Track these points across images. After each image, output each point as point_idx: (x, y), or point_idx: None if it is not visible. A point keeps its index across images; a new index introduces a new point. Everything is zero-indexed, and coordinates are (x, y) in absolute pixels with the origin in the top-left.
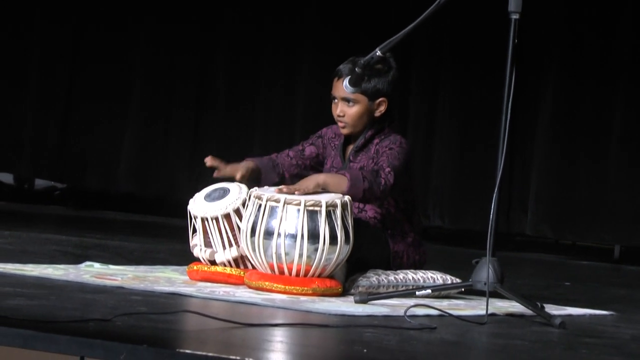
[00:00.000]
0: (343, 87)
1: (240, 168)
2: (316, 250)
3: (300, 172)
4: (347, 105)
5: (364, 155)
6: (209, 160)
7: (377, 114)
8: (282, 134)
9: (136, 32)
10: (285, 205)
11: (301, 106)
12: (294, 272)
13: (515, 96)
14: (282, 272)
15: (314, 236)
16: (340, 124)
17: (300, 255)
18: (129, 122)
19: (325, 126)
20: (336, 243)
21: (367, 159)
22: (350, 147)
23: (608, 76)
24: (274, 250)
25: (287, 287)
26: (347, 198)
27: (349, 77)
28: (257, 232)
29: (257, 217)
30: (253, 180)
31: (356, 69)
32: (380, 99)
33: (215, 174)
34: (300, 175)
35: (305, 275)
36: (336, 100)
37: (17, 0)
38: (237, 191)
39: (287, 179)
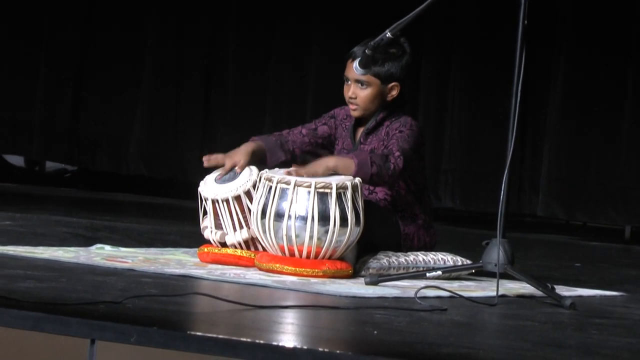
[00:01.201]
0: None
1: (238, 157)
2: (326, 232)
3: (313, 150)
4: (359, 87)
5: (374, 137)
6: (206, 162)
7: (389, 98)
8: (293, 113)
9: (147, 7)
10: (296, 187)
11: (312, 84)
12: (304, 254)
13: (525, 76)
14: (292, 254)
15: (324, 218)
16: (351, 106)
17: (311, 237)
18: (139, 104)
19: (337, 106)
20: (347, 225)
21: (378, 141)
22: (361, 130)
23: (620, 52)
24: (284, 232)
25: (297, 269)
26: (357, 180)
27: (359, 59)
28: (268, 214)
29: (267, 199)
30: (257, 161)
31: (366, 51)
32: (393, 83)
33: (219, 176)
34: (312, 153)
35: (316, 257)
36: (349, 82)
37: None
38: (247, 173)
39: (298, 155)
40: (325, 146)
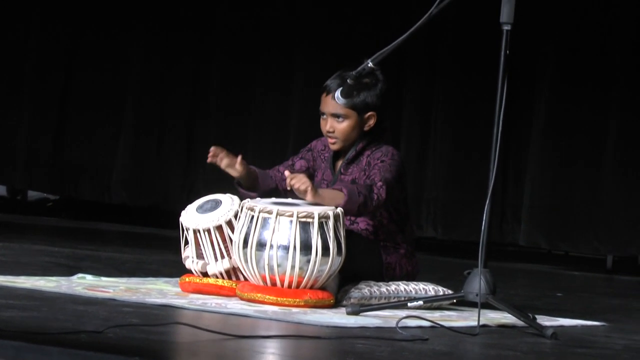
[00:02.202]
0: (332, 101)
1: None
2: (308, 261)
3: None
4: (336, 120)
5: (355, 167)
6: (212, 152)
7: (367, 127)
8: (276, 142)
9: (130, 40)
10: (278, 216)
11: (295, 115)
12: (286, 283)
13: (508, 105)
14: (274, 284)
15: (306, 247)
16: (330, 140)
17: (293, 267)
18: (122, 132)
19: (316, 138)
20: (328, 254)
21: (359, 171)
22: (341, 161)
23: (602, 85)
24: (266, 262)
25: (279, 298)
26: (339, 210)
27: (341, 88)
28: (250, 243)
29: (249, 228)
30: (250, 183)
31: (348, 80)
32: (370, 113)
33: (221, 161)
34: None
35: (298, 286)
36: (325, 116)
37: (13, 8)
38: (229, 203)
39: (281, 191)
40: None
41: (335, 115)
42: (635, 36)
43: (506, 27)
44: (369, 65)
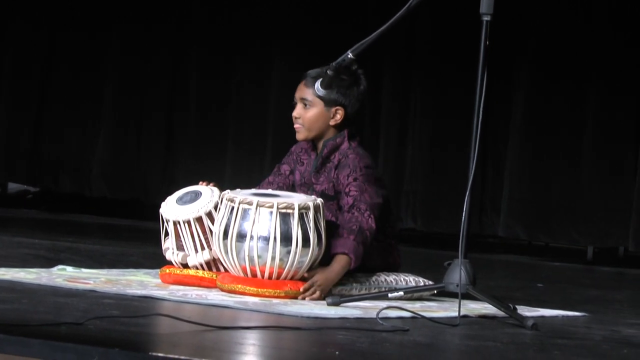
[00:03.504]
0: (304, 87)
1: None
2: (289, 252)
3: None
4: (303, 107)
5: (324, 176)
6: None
7: (332, 122)
8: (255, 134)
9: (108, 34)
10: (258, 207)
11: (274, 107)
12: (266, 274)
13: (487, 97)
14: (254, 275)
15: (286, 239)
16: (296, 126)
17: (273, 258)
18: (102, 125)
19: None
20: (309, 245)
21: (328, 182)
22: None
23: (580, 77)
24: (246, 253)
25: (259, 289)
26: (319, 200)
27: (321, 79)
28: (230, 234)
29: (229, 219)
30: None
31: (328, 72)
32: (337, 107)
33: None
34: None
35: (278, 277)
36: (295, 102)
37: None
38: (209, 194)
39: None
40: (294, 186)
41: (303, 101)
42: (612, 31)
43: (486, 18)
44: (349, 56)
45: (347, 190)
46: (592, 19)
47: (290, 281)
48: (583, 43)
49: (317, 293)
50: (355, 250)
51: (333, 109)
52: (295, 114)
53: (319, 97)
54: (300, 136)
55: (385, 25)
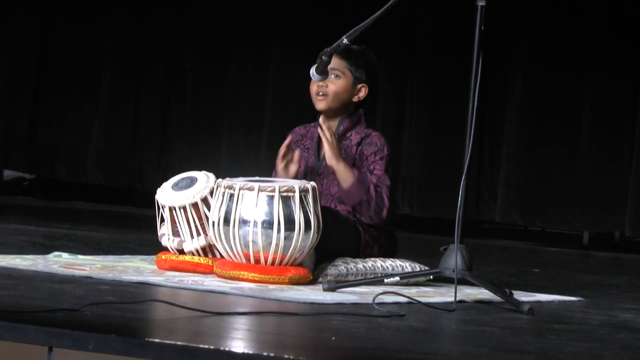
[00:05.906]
0: (338, 59)
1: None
2: (292, 237)
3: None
4: (332, 77)
5: (343, 154)
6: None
7: (356, 98)
8: (252, 120)
9: (104, 21)
10: (260, 192)
11: (272, 92)
12: (269, 260)
13: (484, 83)
14: (257, 261)
15: (289, 222)
16: (319, 97)
17: (277, 244)
18: (97, 112)
19: (294, 113)
20: (310, 228)
21: (349, 160)
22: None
23: (577, 62)
24: (250, 239)
25: (263, 276)
26: (312, 183)
27: (315, 65)
28: (232, 221)
29: (229, 206)
30: None
31: (323, 57)
32: (362, 84)
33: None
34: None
35: (280, 263)
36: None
37: None
38: (204, 180)
39: None
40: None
41: (334, 71)
42: (608, 18)
43: (480, 3)
44: (344, 42)
45: (371, 167)
46: (587, 6)
47: (293, 267)
48: (580, 29)
49: (331, 138)
50: (362, 180)
51: (359, 85)
52: (322, 83)
53: (350, 70)
54: (321, 105)
55: (380, 11)
